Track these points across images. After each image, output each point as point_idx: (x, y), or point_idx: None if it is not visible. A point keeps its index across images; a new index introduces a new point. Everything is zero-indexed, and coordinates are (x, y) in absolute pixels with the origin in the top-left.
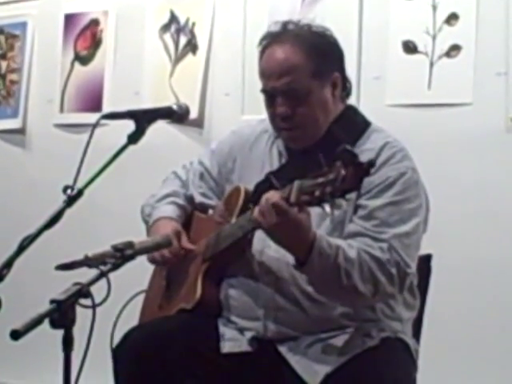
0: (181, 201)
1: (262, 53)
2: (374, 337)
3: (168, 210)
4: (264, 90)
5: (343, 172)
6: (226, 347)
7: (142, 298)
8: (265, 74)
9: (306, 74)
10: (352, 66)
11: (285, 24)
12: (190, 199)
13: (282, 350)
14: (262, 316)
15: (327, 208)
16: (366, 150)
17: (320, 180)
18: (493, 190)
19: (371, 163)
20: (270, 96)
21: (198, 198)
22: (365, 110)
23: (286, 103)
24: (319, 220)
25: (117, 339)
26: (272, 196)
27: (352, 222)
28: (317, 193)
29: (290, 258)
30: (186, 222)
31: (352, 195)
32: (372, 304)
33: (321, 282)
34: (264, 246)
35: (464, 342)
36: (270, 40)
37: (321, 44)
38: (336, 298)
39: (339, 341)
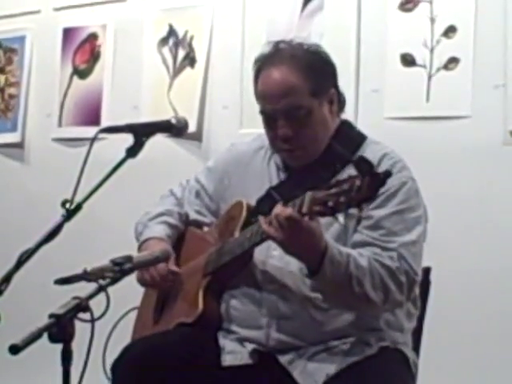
0: (173, 220)
1: (258, 75)
2: (372, 345)
3: (159, 229)
4: (263, 112)
5: (358, 182)
6: (227, 360)
7: (134, 315)
8: (264, 97)
9: (305, 94)
10: (350, 78)
11: (277, 44)
12: (183, 217)
13: (283, 361)
14: (265, 324)
15: (341, 218)
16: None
17: (333, 191)
18: (491, 202)
19: (388, 173)
20: (270, 118)
21: (193, 216)
22: (363, 122)
23: (287, 124)
24: (324, 230)
25: (110, 356)
26: (284, 210)
27: (358, 232)
28: (330, 203)
29: (293, 267)
30: (178, 239)
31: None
32: (382, 312)
33: (332, 290)
34: (267, 256)
35: (464, 354)
36: (264, 62)
37: (316, 62)
38: (347, 306)
39: (339, 350)
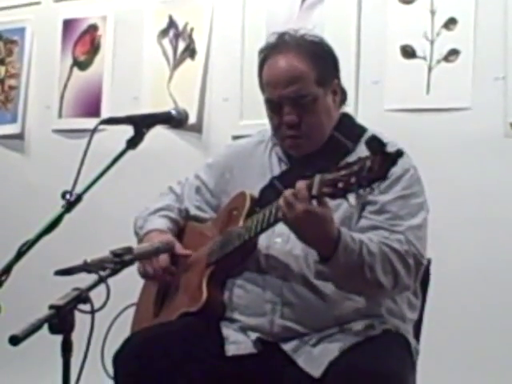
0: (173, 214)
1: (263, 64)
2: (375, 328)
3: (160, 222)
4: (269, 100)
5: (369, 163)
6: (231, 350)
7: (132, 311)
8: (270, 84)
9: (311, 82)
10: (350, 70)
11: (282, 35)
12: (183, 213)
13: (287, 348)
14: (269, 310)
15: (351, 199)
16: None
17: (343, 172)
18: (492, 194)
19: (399, 153)
20: (276, 105)
21: (193, 211)
22: (363, 114)
23: (294, 111)
24: None
25: (109, 351)
26: (297, 186)
27: (363, 217)
28: (340, 184)
29: (297, 252)
30: (179, 234)
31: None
32: (390, 297)
33: (344, 276)
34: (270, 242)
35: (463, 346)
36: (270, 51)
37: (321, 52)
38: (356, 292)
39: (342, 335)
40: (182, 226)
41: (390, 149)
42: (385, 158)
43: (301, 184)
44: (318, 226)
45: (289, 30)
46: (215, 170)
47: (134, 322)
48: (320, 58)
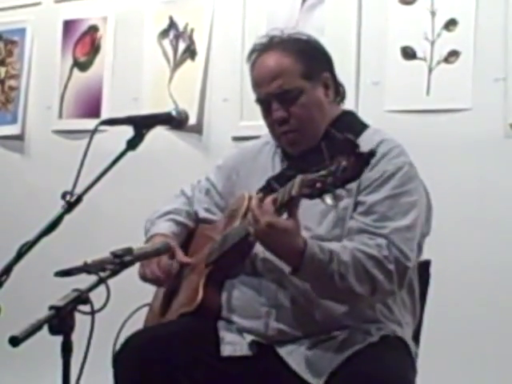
0: (180, 218)
1: (252, 66)
2: (373, 334)
3: (165, 226)
4: (259, 99)
5: (344, 163)
6: (226, 351)
7: (144, 310)
8: (257, 83)
9: (295, 75)
10: (351, 71)
11: (268, 35)
12: (192, 215)
13: (282, 353)
14: (264, 314)
15: (328, 200)
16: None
17: (322, 173)
18: (492, 195)
19: (372, 153)
20: (265, 103)
21: (202, 214)
22: (363, 115)
23: (281, 107)
24: (320, 218)
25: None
26: (258, 207)
27: (352, 218)
28: (318, 185)
29: None
30: (189, 237)
31: (353, 185)
32: (373, 303)
33: (316, 286)
34: None
35: (463, 348)
36: (257, 52)
37: (306, 47)
38: (334, 300)
39: (340, 340)
40: (193, 228)
41: (384, 148)
42: (358, 159)
43: (268, 199)
44: (282, 239)
45: (275, 31)
46: (223, 172)
47: (145, 321)
48: (305, 52)
